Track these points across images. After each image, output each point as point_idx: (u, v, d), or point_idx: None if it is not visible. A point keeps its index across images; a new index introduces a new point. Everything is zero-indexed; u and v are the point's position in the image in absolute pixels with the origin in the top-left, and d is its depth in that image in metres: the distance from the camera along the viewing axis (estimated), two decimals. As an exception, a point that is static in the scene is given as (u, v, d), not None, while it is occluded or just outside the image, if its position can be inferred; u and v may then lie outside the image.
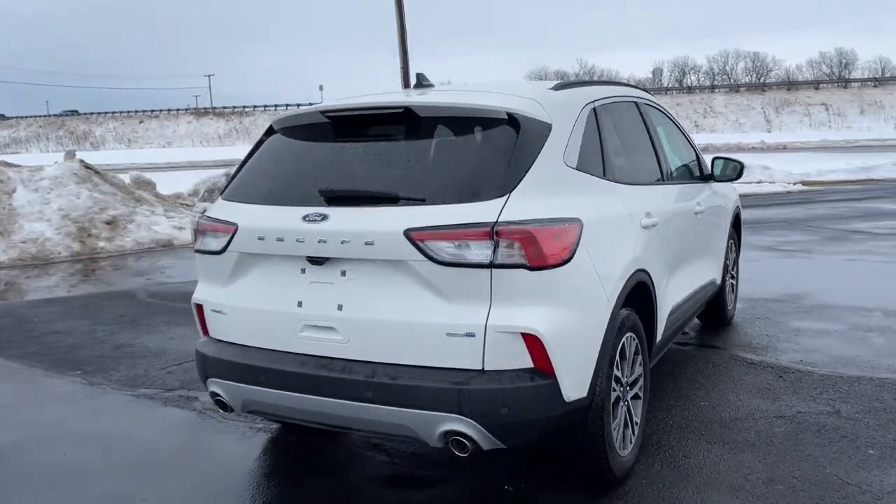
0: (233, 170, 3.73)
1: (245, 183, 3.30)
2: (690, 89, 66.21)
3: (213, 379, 3.19)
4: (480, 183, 2.78)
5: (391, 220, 2.77)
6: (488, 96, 3.13)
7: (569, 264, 2.76)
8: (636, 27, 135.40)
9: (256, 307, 3.08)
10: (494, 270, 2.65)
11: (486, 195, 2.74)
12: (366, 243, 2.78)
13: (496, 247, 2.64)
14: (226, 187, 3.37)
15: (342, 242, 2.82)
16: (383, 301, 2.81)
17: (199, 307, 3.35)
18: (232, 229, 3.10)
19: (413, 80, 3.81)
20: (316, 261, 2.91)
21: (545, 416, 2.75)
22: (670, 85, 68.96)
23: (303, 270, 2.97)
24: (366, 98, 3.35)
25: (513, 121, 2.90)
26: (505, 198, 2.73)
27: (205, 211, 3.43)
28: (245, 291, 3.13)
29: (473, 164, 2.88)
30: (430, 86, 3.62)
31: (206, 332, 3.36)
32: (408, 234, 2.72)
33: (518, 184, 2.78)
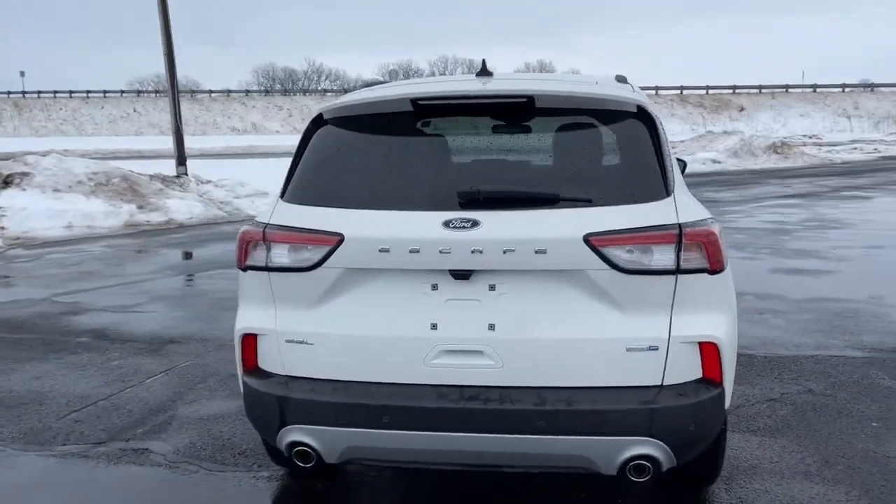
0: None
1: (324, 183, 2.72)
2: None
3: (299, 426, 2.59)
4: (641, 180, 2.56)
5: (566, 225, 2.45)
6: (594, 86, 2.89)
7: (728, 267, 2.64)
8: (363, 30, 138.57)
9: (368, 334, 2.56)
10: (679, 276, 2.45)
11: (652, 194, 2.52)
12: (536, 252, 2.43)
13: (679, 250, 2.44)
14: (285, 188, 2.76)
15: (504, 252, 2.43)
16: (547, 317, 2.48)
17: (251, 338, 2.71)
18: (334, 240, 2.54)
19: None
20: (460, 275, 2.48)
21: (718, 428, 2.62)
22: (407, 87, 71.91)
23: (434, 287, 2.51)
24: (455, 84, 2.93)
25: (642, 113, 2.70)
26: (672, 196, 2.54)
27: (254, 218, 2.78)
28: (347, 315, 2.58)
29: (623, 159, 2.63)
30: (491, 74, 3.27)
31: (252, 367, 2.73)
32: (587, 239, 2.41)
33: (674, 180, 2.60)
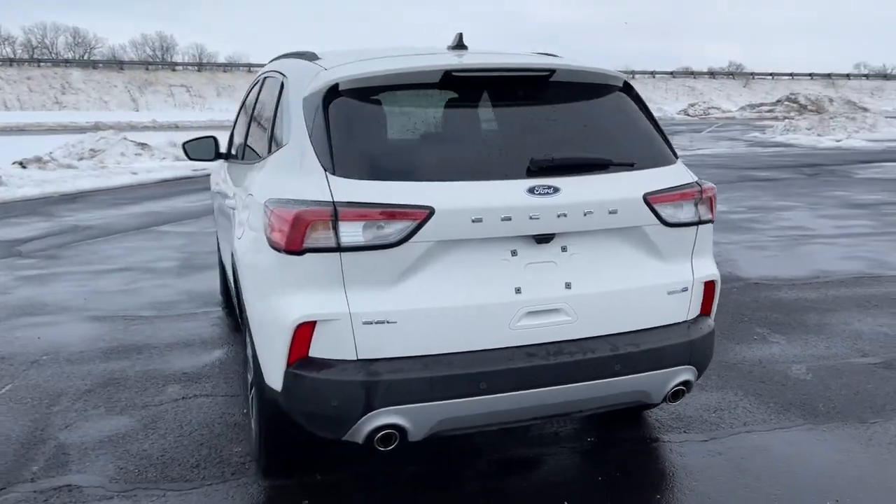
0: None
1: (383, 156, 2.62)
2: (41, 62, 60.69)
3: (388, 408, 2.51)
4: (655, 146, 2.93)
5: (629, 186, 2.72)
6: (578, 61, 3.17)
7: None
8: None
9: (453, 304, 2.56)
10: (699, 227, 2.90)
11: (668, 158, 2.92)
12: (609, 212, 2.67)
13: (697, 205, 2.89)
14: (345, 162, 2.58)
15: (584, 214, 2.63)
16: (609, 272, 2.74)
17: (308, 327, 2.54)
18: (424, 214, 2.48)
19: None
20: (543, 239, 2.62)
21: (713, 353, 3.13)
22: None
23: (513, 252, 2.62)
24: (478, 58, 2.97)
25: (627, 86, 3.08)
26: (679, 159, 2.97)
27: (281, 197, 2.56)
28: (432, 288, 2.55)
29: (632, 127, 2.96)
30: (466, 47, 3.34)
31: (300, 357, 2.57)
32: (646, 198, 2.73)
33: (671, 146, 3.03)
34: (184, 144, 5.00)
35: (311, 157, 2.65)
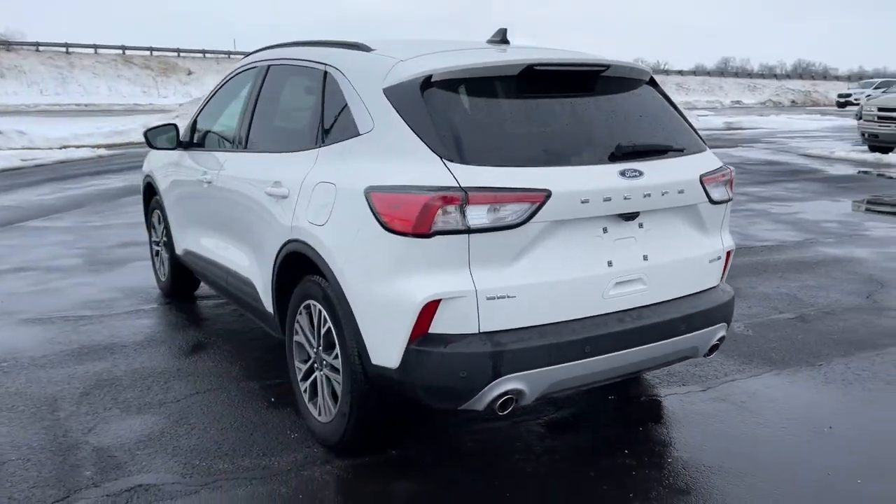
0: None
1: (496, 144, 2.82)
2: None
3: (512, 375, 2.75)
4: (688, 134, 3.36)
5: (689, 169, 3.13)
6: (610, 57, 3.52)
7: None
8: None
9: (560, 278, 2.83)
10: (727, 204, 3.38)
11: (700, 145, 3.36)
12: (678, 192, 3.06)
13: (727, 185, 3.37)
14: (458, 149, 2.75)
15: (663, 194, 3.00)
16: (671, 244, 3.14)
17: (432, 305, 2.72)
18: (541, 197, 2.73)
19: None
20: (630, 216, 2.96)
21: None
22: None
23: (604, 230, 2.94)
24: (552, 54, 3.21)
25: (652, 81, 3.49)
26: (706, 146, 3.43)
27: (400, 184, 2.70)
28: (543, 265, 2.80)
29: (671, 117, 3.35)
30: (509, 42, 3.57)
31: (421, 334, 2.75)
32: (701, 179, 3.16)
33: (699, 134, 3.49)
34: (146, 133, 4.81)
35: (418, 145, 2.79)
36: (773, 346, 4.62)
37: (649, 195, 2.96)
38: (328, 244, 3.03)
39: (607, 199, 2.86)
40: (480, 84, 2.96)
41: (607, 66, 3.17)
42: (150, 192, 5.64)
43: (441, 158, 2.74)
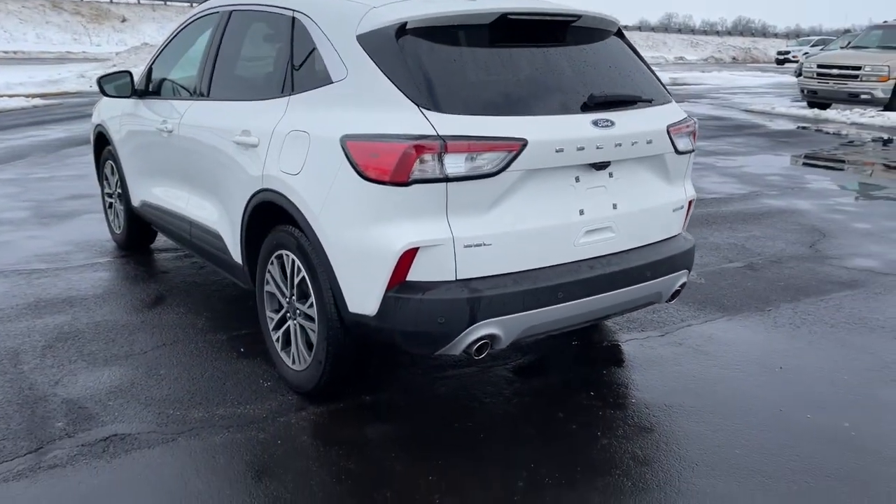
0: None
1: (472, 92, 2.84)
2: None
3: (487, 321, 2.83)
4: (655, 85, 3.43)
5: (657, 119, 3.21)
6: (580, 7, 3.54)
7: None
8: None
9: (534, 226, 2.90)
10: (690, 155, 3.49)
11: (666, 97, 3.44)
12: (647, 142, 3.14)
13: (691, 136, 3.47)
14: (435, 98, 2.77)
15: (633, 144, 3.08)
16: (639, 193, 3.23)
17: (410, 253, 2.77)
18: (518, 145, 2.77)
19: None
20: (600, 166, 3.03)
21: None
22: None
23: (577, 179, 3.01)
24: (525, 3, 3.20)
25: (620, 32, 3.53)
26: (671, 97, 3.52)
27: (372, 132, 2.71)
28: (518, 213, 2.86)
29: (638, 68, 3.41)
30: None
31: (399, 282, 2.81)
32: (668, 129, 3.24)
33: (664, 85, 3.56)
34: (99, 80, 4.66)
35: (394, 93, 2.80)
36: (725, 294, 4.81)
37: (620, 145, 3.04)
38: (303, 193, 3.03)
39: (580, 149, 2.92)
40: (455, 32, 2.97)
41: (578, 17, 3.21)
42: (101, 142, 5.48)
43: (418, 107, 2.75)
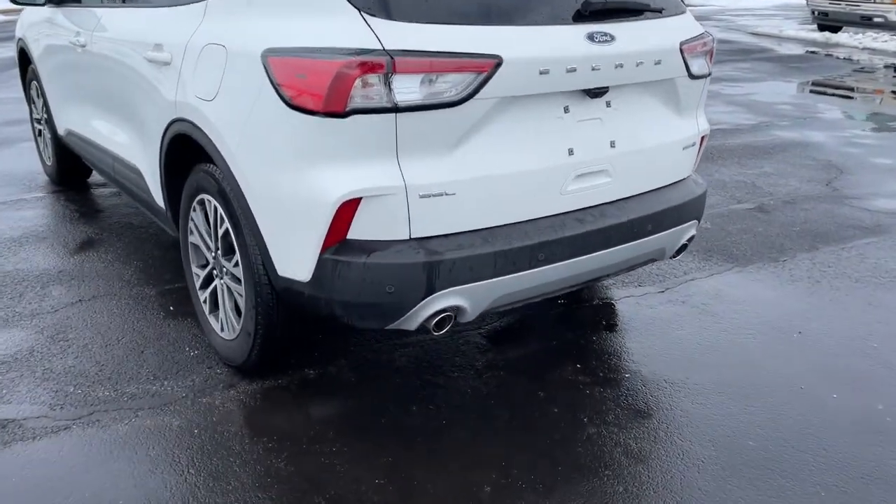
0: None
1: None
2: None
3: (450, 289, 2.25)
4: None
5: (668, 34, 2.56)
6: None
7: None
8: None
9: (510, 171, 2.29)
10: (706, 80, 2.85)
11: (679, 6, 2.78)
12: (655, 63, 2.51)
13: (707, 56, 2.82)
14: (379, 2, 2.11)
15: (637, 65, 2.44)
16: (643, 127, 2.61)
17: (351, 205, 2.16)
18: (490, 65, 2.14)
19: None
20: (595, 93, 2.41)
21: None
22: None
23: (566, 109, 2.39)
24: None
25: None
26: (685, 7, 2.85)
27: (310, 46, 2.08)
28: (488, 154, 2.25)
29: None
30: None
31: (338, 241, 2.21)
32: (681, 47, 2.60)
33: None
34: None
35: None
36: (734, 240, 4.24)
37: (621, 66, 2.40)
38: (218, 125, 2.41)
39: (571, 70, 2.29)
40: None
41: None
42: (24, 59, 4.77)
43: (359, 11, 2.10)
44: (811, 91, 9.41)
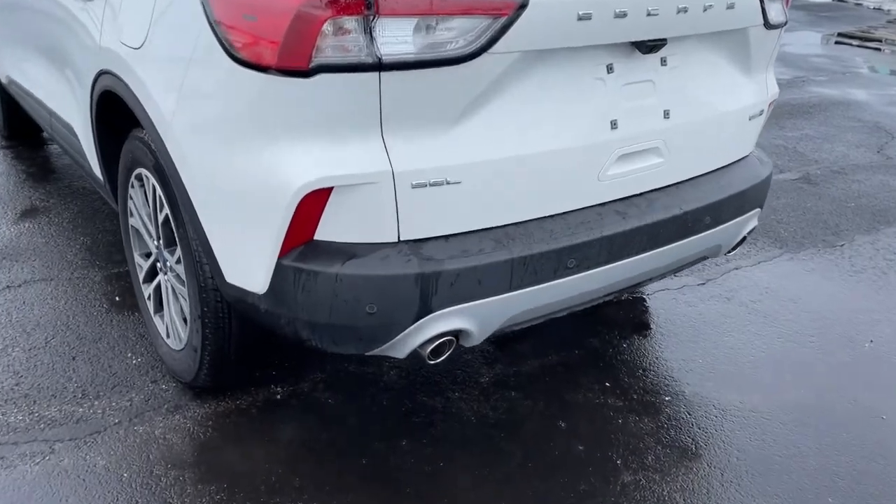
0: None
1: None
2: None
3: (451, 308, 1.69)
4: None
5: None
6: None
7: None
8: None
9: (534, 150, 1.71)
10: (782, 31, 2.24)
11: None
12: (727, 6, 1.90)
13: (786, 2, 2.22)
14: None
15: (704, 10, 1.84)
16: (702, 92, 2.03)
17: (321, 195, 1.58)
18: (511, 6, 1.54)
19: None
20: (649, 47, 1.81)
21: None
22: None
23: (609, 68, 1.79)
24: None
25: None
26: None
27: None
28: (504, 128, 1.67)
29: None
30: None
31: (304, 242, 1.65)
32: (759, -11, 1.99)
33: None
34: None
35: None
36: (781, 219, 3.66)
37: (685, 10, 1.80)
38: (147, 81, 1.82)
39: (621, 15, 1.69)
40: None
41: None
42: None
43: (331, -70, 1.49)
44: (845, 43, 8.70)
